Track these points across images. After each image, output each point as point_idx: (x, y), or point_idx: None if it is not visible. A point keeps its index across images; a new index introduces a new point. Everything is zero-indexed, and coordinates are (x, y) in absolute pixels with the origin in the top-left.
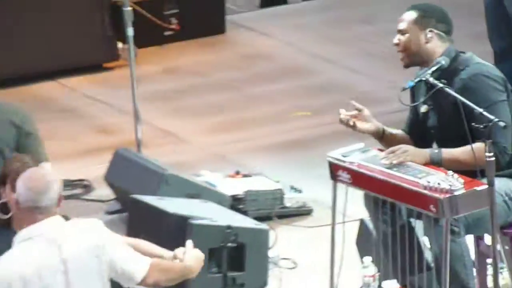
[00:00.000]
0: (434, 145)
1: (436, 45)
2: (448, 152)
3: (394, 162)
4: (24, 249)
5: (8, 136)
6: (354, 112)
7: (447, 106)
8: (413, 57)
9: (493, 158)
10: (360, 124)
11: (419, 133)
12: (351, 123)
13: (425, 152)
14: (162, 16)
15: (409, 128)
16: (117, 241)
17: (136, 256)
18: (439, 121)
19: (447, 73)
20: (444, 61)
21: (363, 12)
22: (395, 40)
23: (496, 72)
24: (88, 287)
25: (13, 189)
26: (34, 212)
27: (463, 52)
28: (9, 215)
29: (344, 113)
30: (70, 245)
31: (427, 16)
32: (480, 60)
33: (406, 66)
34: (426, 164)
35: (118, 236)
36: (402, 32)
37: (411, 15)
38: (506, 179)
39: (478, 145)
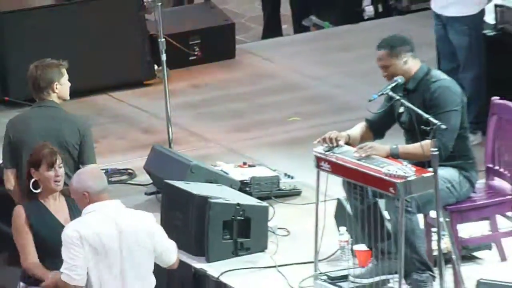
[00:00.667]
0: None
1: (412, 64)
2: (403, 147)
3: (363, 155)
4: (88, 218)
5: (74, 140)
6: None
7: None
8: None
9: (437, 153)
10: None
11: (379, 124)
12: (334, 143)
13: (386, 148)
14: (188, 45)
15: (375, 120)
16: (162, 231)
17: (172, 246)
18: (409, 119)
19: (423, 83)
20: (400, 79)
21: (341, 43)
22: (384, 74)
23: (457, 88)
24: (138, 259)
25: (48, 169)
26: (97, 194)
27: (429, 67)
28: (39, 190)
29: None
30: (126, 223)
31: (395, 47)
32: (447, 76)
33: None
34: (387, 156)
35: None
36: (385, 67)
37: (383, 53)
38: (450, 169)
39: (426, 142)
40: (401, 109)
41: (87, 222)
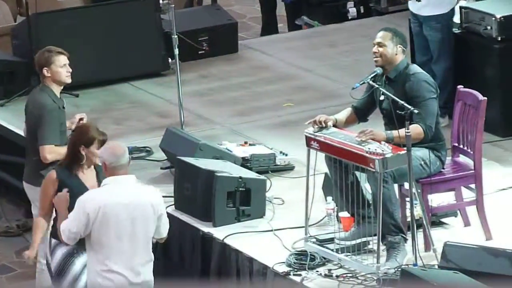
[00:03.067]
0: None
1: (399, 57)
2: (396, 133)
3: (364, 139)
4: (102, 190)
5: (33, 121)
6: (323, 124)
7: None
8: (384, 62)
9: (410, 133)
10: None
11: (363, 110)
12: (323, 125)
13: (383, 133)
14: (197, 41)
15: (360, 106)
16: (165, 208)
17: (167, 224)
18: (388, 106)
19: (402, 76)
20: (378, 71)
21: (329, 39)
22: (375, 49)
23: (431, 79)
24: (143, 231)
25: (98, 147)
26: (114, 169)
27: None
28: (83, 163)
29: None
30: (135, 197)
31: (397, 36)
32: (422, 70)
33: (379, 66)
34: (383, 141)
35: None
36: (380, 44)
37: (387, 34)
38: (425, 150)
39: (413, 126)
40: (382, 97)
41: (100, 194)
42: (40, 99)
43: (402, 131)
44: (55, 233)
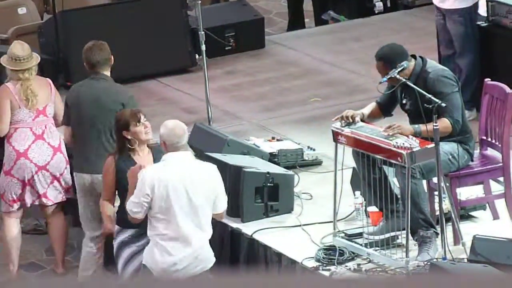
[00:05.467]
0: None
1: (410, 66)
2: (423, 127)
3: (391, 133)
4: (164, 164)
5: (117, 107)
6: (351, 119)
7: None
8: (404, 78)
9: (438, 127)
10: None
11: (387, 105)
12: (351, 120)
13: (411, 127)
14: (223, 37)
15: (384, 101)
16: (221, 182)
17: (224, 197)
18: (412, 106)
19: (421, 73)
20: (405, 64)
21: (354, 34)
22: (389, 84)
23: (450, 72)
24: (202, 202)
25: (137, 124)
26: (174, 146)
27: (424, 59)
28: (135, 146)
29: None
30: (194, 172)
31: (388, 61)
32: (439, 65)
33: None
34: (411, 135)
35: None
36: (389, 79)
37: (379, 64)
38: (453, 143)
39: (441, 119)
40: (404, 100)
41: (159, 169)
42: (120, 87)
43: (430, 125)
44: (118, 220)
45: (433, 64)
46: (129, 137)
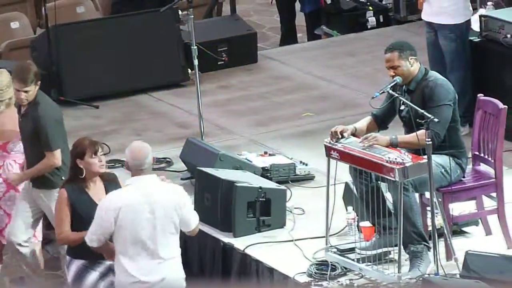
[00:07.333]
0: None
1: (415, 68)
2: (401, 137)
3: (367, 145)
4: (126, 190)
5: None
6: (340, 135)
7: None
8: (405, 79)
9: (431, 142)
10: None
11: (384, 117)
12: (340, 135)
13: (387, 138)
14: (216, 52)
15: (381, 114)
16: (188, 203)
17: (194, 214)
18: (408, 114)
19: (422, 83)
20: (398, 80)
21: (347, 49)
22: (390, 73)
23: (450, 86)
24: (166, 228)
25: (92, 156)
26: (137, 170)
27: (427, 69)
28: (83, 175)
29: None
30: (158, 195)
31: (404, 50)
32: (441, 76)
33: (401, 85)
34: (387, 146)
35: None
36: (394, 67)
37: (394, 54)
38: (444, 156)
39: (421, 132)
40: (402, 107)
41: (121, 195)
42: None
43: (407, 136)
44: (69, 250)
45: (436, 74)
46: (81, 166)
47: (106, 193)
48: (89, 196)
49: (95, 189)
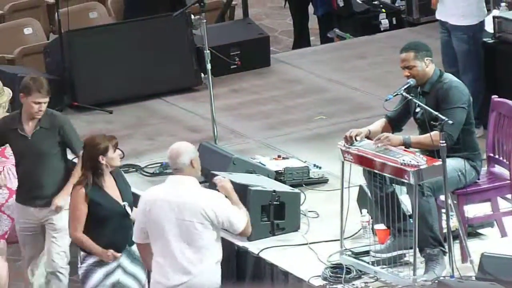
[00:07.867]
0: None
1: (430, 69)
2: (415, 138)
3: (380, 145)
4: (160, 186)
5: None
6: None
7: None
8: (419, 80)
9: (445, 144)
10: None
11: (398, 119)
12: (354, 140)
13: (400, 138)
14: (229, 56)
15: (395, 116)
16: (224, 206)
17: (235, 215)
18: (423, 116)
19: (436, 83)
20: (412, 82)
21: (359, 51)
22: (405, 73)
23: (465, 88)
24: (192, 230)
25: (115, 151)
26: (172, 169)
27: (442, 71)
28: (105, 172)
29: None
30: (187, 197)
31: (420, 50)
32: (456, 79)
33: (416, 86)
34: (400, 145)
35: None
36: (409, 67)
37: (410, 54)
38: (459, 159)
39: (435, 133)
40: (418, 109)
41: (155, 189)
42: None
43: (422, 137)
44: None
45: (451, 76)
46: (103, 162)
47: (117, 186)
48: (106, 192)
49: (109, 183)
